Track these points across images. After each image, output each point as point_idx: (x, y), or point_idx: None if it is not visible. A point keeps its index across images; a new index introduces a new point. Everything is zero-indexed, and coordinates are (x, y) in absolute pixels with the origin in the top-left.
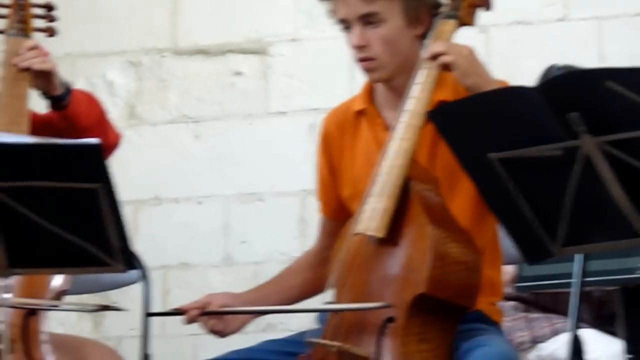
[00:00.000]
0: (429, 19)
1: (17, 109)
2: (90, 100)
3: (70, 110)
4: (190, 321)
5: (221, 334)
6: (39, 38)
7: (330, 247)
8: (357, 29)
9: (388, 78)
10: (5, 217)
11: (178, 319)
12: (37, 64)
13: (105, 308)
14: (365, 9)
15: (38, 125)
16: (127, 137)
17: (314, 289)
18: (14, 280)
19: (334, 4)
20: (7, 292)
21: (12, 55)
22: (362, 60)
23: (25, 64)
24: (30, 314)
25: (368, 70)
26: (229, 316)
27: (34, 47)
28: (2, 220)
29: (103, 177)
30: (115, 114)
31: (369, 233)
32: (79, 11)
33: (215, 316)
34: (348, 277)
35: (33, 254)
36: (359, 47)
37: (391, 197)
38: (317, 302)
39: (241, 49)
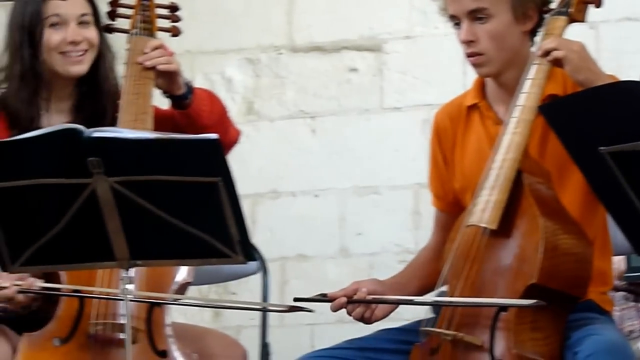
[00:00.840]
0: (537, 15)
1: (142, 106)
2: (212, 99)
3: (193, 110)
4: (337, 308)
5: (368, 321)
6: (162, 38)
7: (445, 242)
8: (465, 25)
9: (496, 73)
10: (128, 210)
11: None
12: (163, 65)
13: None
14: (473, 4)
15: (160, 120)
16: (245, 132)
17: (433, 282)
18: (136, 272)
19: (444, 0)
20: (130, 283)
21: (136, 54)
22: (470, 55)
23: (150, 62)
24: (154, 305)
25: (476, 65)
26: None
27: (160, 47)
28: (124, 213)
29: (223, 171)
30: (233, 110)
31: (483, 225)
32: (198, 9)
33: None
34: (462, 267)
35: (154, 247)
36: (468, 42)
37: (504, 189)
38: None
39: (356, 46)
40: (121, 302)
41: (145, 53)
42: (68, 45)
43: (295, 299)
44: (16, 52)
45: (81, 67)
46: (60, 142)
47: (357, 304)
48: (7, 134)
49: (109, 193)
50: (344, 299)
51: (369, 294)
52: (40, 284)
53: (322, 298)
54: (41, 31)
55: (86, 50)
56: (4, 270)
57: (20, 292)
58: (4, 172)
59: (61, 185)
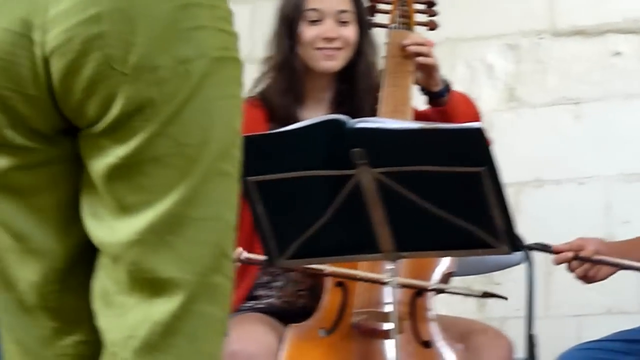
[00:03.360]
0: None
1: (400, 98)
2: (468, 101)
3: (449, 108)
4: (561, 262)
5: (591, 280)
6: (419, 32)
7: None
8: None
9: None
10: (392, 201)
11: (562, 301)
12: (423, 57)
13: (489, 295)
14: None
15: (415, 118)
16: (507, 119)
17: None
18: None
19: None
20: (394, 275)
21: (395, 47)
22: None
23: (413, 49)
24: (418, 295)
25: None
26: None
27: (420, 42)
28: (389, 205)
29: (487, 160)
30: (494, 97)
31: None
32: None
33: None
34: None
35: (419, 238)
36: None
37: None
38: None
39: (620, 29)
40: (385, 291)
41: (405, 46)
42: (322, 41)
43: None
44: (276, 42)
45: (333, 64)
46: (324, 133)
47: (582, 261)
48: (265, 127)
49: (373, 184)
50: (570, 254)
51: (594, 253)
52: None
53: (544, 248)
54: (299, 24)
55: (340, 48)
56: (272, 263)
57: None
58: (270, 165)
59: (326, 177)
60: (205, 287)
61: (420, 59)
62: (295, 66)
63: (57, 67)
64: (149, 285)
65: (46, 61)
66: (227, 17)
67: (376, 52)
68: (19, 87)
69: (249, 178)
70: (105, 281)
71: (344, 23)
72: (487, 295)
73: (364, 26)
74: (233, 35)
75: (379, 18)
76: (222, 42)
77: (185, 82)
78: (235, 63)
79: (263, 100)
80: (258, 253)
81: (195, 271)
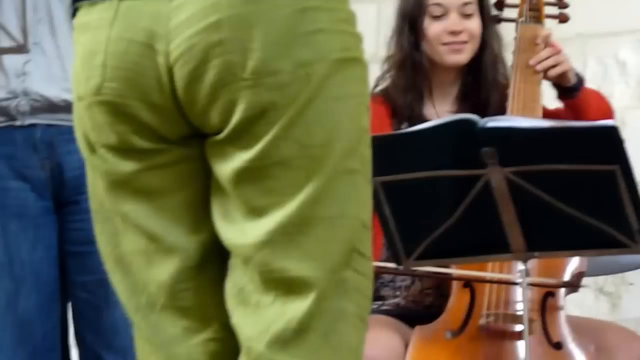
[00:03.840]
0: None
1: (530, 94)
2: (600, 97)
3: (580, 101)
4: None
5: None
6: (550, 25)
7: None
8: None
9: None
10: (523, 200)
11: None
12: (553, 70)
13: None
14: None
15: (545, 117)
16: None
17: None
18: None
19: None
20: (525, 275)
21: (524, 42)
22: None
23: (540, 67)
24: (548, 296)
25: None
26: None
27: (548, 42)
28: (520, 204)
29: (620, 159)
30: (627, 94)
31: None
32: None
33: None
34: None
35: (550, 237)
36: None
37: None
38: None
39: None
40: (516, 291)
41: (536, 44)
42: (448, 36)
43: None
44: (398, 39)
45: (460, 57)
46: (454, 133)
47: None
48: (388, 123)
49: (504, 184)
50: None
51: None
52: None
53: None
54: (422, 20)
55: (466, 42)
56: (399, 264)
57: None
58: (397, 165)
59: (454, 177)
60: (336, 283)
61: (551, 72)
62: (419, 62)
63: (180, 75)
64: (281, 284)
65: (170, 70)
66: (349, 18)
67: (501, 44)
68: (145, 96)
69: (376, 178)
70: (239, 280)
71: (467, 16)
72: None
73: (487, 17)
74: (355, 36)
75: (507, 12)
76: (342, 44)
77: (306, 85)
78: (357, 63)
79: (386, 97)
80: (375, 252)
81: (326, 268)
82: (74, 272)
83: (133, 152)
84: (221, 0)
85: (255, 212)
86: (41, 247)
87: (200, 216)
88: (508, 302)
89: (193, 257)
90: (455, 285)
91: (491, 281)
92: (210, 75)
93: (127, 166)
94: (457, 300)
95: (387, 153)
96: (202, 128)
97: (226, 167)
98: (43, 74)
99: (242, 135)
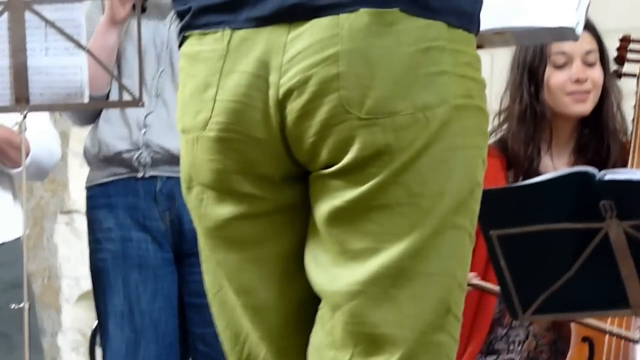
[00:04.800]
0: None
1: None
2: None
3: None
4: None
5: None
6: None
7: None
8: None
9: None
10: None
11: None
12: None
13: None
14: None
15: None
16: None
17: None
18: None
19: None
20: None
21: None
22: None
23: None
24: None
25: None
26: None
27: None
28: (639, 258)
29: None
30: None
31: None
32: None
33: None
34: None
35: None
36: None
37: None
38: None
39: None
40: (636, 348)
41: None
42: (572, 85)
43: None
44: (517, 91)
45: (584, 107)
46: (571, 186)
47: None
48: (503, 176)
49: (623, 237)
50: None
51: None
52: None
53: None
54: (543, 70)
55: (590, 91)
56: (515, 317)
57: None
58: (515, 218)
59: (571, 230)
60: (426, 346)
61: None
62: (541, 113)
63: (292, 108)
64: (364, 339)
65: (280, 103)
66: (473, 62)
67: (621, 96)
68: (250, 130)
69: (492, 232)
70: (320, 334)
71: (590, 64)
72: None
73: (607, 66)
74: (478, 83)
75: (628, 67)
76: (464, 90)
77: (424, 129)
78: (478, 112)
79: (502, 149)
80: (492, 282)
81: (416, 328)
82: (194, 324)
83: (230, 196)
84: (342, 32)
85: (349, 256)
86: (161, 297)
87: (294, 271)
88: (627, 359)
89: (283, 316)
90: (573, 339)
91: (610, 333)
92: (324, 111)
93: (222, 211)
94: (575, 354)
95: (504, 205)
96: (307, 165)
97: (325, 205)
98: (164, 125)
99: (351, 174)
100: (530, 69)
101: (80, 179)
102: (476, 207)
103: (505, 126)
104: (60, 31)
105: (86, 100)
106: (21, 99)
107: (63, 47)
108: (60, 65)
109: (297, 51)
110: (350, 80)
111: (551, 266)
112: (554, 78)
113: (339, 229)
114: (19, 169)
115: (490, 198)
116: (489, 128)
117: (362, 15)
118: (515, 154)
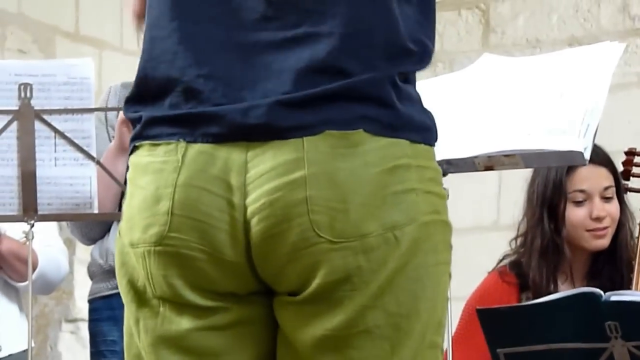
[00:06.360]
0: None
1: None
2: None
3: None
4: None
5: None
6: None
7: None
8: None
9: None
10: None
11: None
12: None
13: None
14: None
15: None
16: None
17: None
18: None
19: None
20: None
21: None
22: None
23: None
24: None
25: None
26: None
27: None
28: None
29: None
30: None
31: None
32: None
33: None
34: None
35: None
36: None
37: None
38: None
39: None
40: None
41: None
42: (592, 222)
43: None
44: (536, 225)
45: (603, 242)
46: (578, 306)
47: None
48: (515, 299)
49: (627, 357)
50: None
51: None
52: None
53: None
54: (563, 206)
55: (608, 226)
56: None
57: None
58: (521, 337)
59: (577, 349)
60: None
61: None
62: (561, 248)
63: (257, 231)
64: None
65: (245, 226)
66: (436, 177)
67: (633, 219)
68: (215, 251)
69: (499, 350)
70: None
71: (607, 199)
72: None
73: (622, 198)
74: (442, 197)
75: (633, 182)
76: (431, 205)
77: (394, 249)
78: (444, 226)
79: (516, 273)
80: None
81: None
82: None
83: (190, 308)
84: (306, 155)
85: None
86: None
87: None
88: None
89: None
90: None
91: None
92: (291, 235)
93: (181, 323)
94: None
95: (511, 324)
96: (273, 286)
97: (305, 333)
98: None
99: (323, 300)
100: (550, 205)
101: (86, 288)
102: (444, 323)
103: (522, 251)
104: (71, 142)
105: (95, 211)
106: (29, 209)
107: (72, 157)
108: (69, 176)
109: (260, 173)
110: (319, 204)
111: None
112: (574, 215)
113: (324, 356)
114: (26, 283)
115: (498, 316)
116: (506, 250)
117: (326, 137)
118: (531, 281)
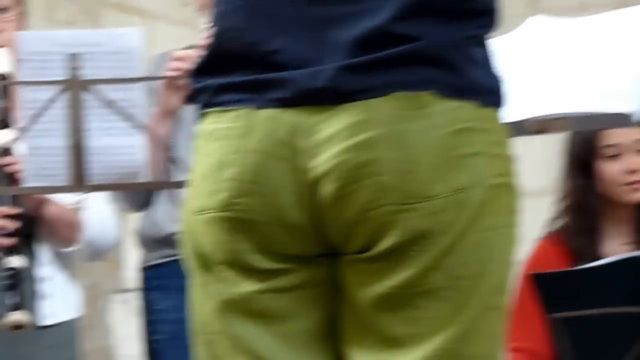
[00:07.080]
0: None
1: None
2: None
3: None
4: None
5: None
6: None
7: None
8: None
9: None
10: None
11: None
12: None
13: None
14: None
15: None
16: None
17: None
18: None
19: None
20: None
21: None
22: None
23: None
24: None
25: None
26: None
27: None
28: None
29: None
30: None
31: None
32: None
33: None
34: None
35: None
36: None
37: None
38: None
39: None
40: None
41: None
42: (627, 175)
43: None
44: (570, 183)
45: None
46: (629, 270)
47: None
48: (566, 265)
49: None
50: None
51: None
52: None
53: None
54: (594, 162)
55: None
56: None
57: None
58: (575, 301)
59: (629, 313)
60: None
61: None
62: (594, 206)
63: (326, 193)
64: None
65: (311, 188)
66: (502, 140)
67: None
68: (280, 214)
69: (554, 315)
70: None
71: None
72: None
73: None
74: (509, 160)
75: None
76: (498, 169)
77: (461, 212)
78: (510, 190)
79: (563, 238)
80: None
81: None
82: None
83: (255, 272)
84: (374, 116)
85: (396, 343)
86: None
87: (321, 347)
88: None
89: None
90: None
91: None
92: (360, 196)
93: (246, 286)
94: None
95: (565, 289)
96: (340, 247)
97: (367, 292)
98: None
99: (390, 260)
100: (580, 160)
101: (136, 258)
102: (508, 286)
103: (563, 212)
104: (120, 111)
105: (145, 180)
106: (78, 179)
107: (121, 127)
108: (118, 145)
109: (327, 135)
110: (387, 166)
111: (612, 349)
112: (607, 170)
113: (383, 316)
114: (72, 248)
115: (553, 281)
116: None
117: (393, 99)
118: (574, 245)
